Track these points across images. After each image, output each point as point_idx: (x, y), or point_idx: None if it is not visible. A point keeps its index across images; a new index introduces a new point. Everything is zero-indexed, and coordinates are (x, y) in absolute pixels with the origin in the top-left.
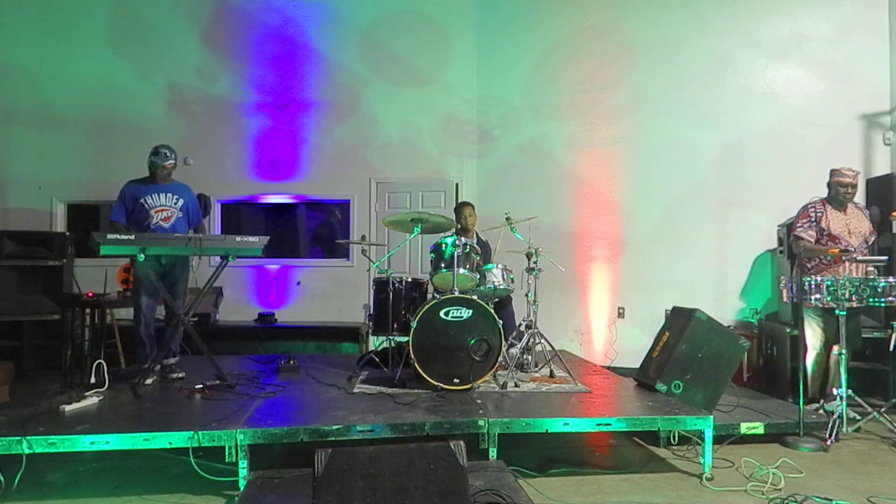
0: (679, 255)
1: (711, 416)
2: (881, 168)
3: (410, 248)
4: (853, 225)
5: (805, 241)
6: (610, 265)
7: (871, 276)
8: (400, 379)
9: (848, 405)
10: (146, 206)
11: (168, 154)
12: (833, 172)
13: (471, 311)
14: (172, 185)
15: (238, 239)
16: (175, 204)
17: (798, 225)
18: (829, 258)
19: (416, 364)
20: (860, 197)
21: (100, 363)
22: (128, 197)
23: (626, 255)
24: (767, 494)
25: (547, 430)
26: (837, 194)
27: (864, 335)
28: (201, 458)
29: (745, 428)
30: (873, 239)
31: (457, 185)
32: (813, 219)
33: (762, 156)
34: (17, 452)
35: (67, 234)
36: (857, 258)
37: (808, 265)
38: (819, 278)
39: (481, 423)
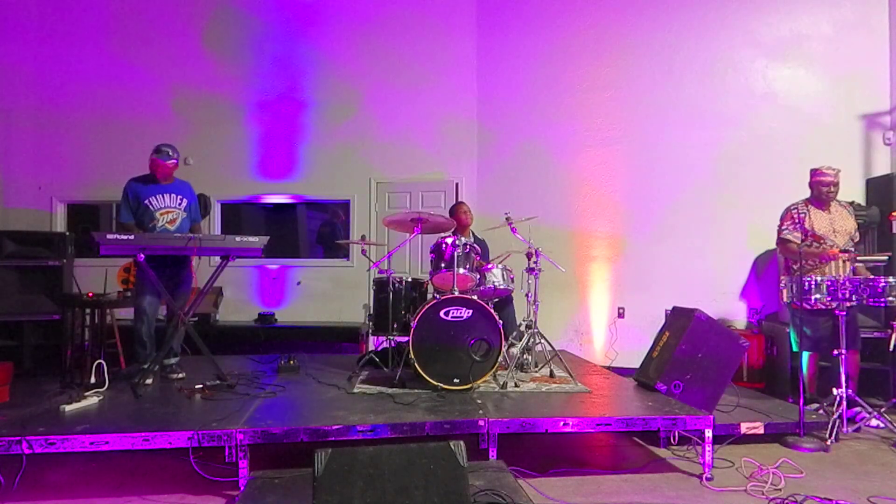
0: (679, 255)
1: (711, 416)
2: (881, 168)
3: (410, 248)
4: (838, 224)
5: (792, 243)
6: (610, 265)
7: (869, 277)
8: (400, 379)
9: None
10: (151, 207)
11: (171, 153)
12: (813, 172)
13: (471, 311)
14: (175, 185)
15: (238, 239)
16: (179, 205)
17: (783, 228)
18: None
19: (416, 364)
20: (860, 197)
21: (100, 363)
22: (131, 197)
23: (626, 255)
24: (767, 494)
25: (547, 430)
26: (820, 194)
27: (863, 335)
28: (201, 458)
29: (745, 428)
30: (858, 237)
31: (457, 185)
32: (796, 220)
33: (762, 155)
34: (16, 453)
35: (67, 234)
36: (858, 258)
37: (795, 266)
38: (819, 278)
39: (481, 423)
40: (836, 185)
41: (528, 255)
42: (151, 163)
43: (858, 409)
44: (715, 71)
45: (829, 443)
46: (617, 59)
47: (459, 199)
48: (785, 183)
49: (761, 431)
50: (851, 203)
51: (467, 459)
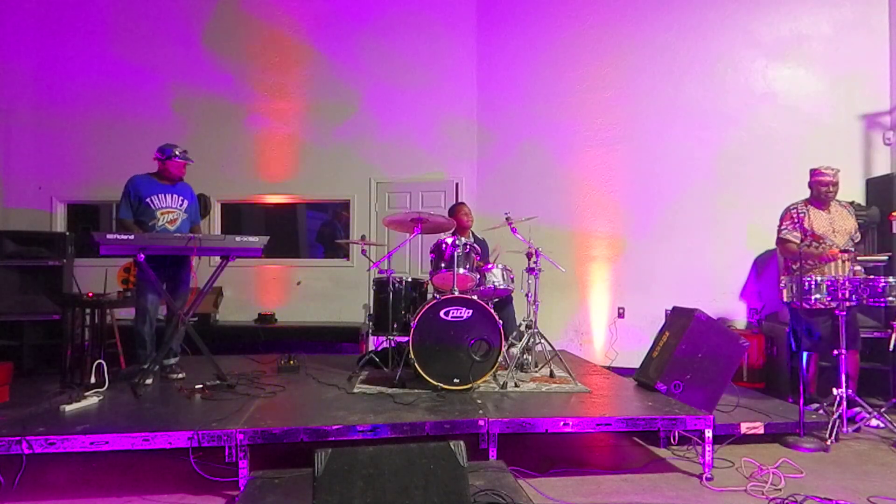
0: (679, 255)
1: (711, 416)
2: (881, 168)
3: (410, 248)
4: (837, 223)
5: (791, 243)
6: (610, 265)
7: (868, 277)
8: (400, 379)
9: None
10: (152, 206)
11: (186, 154)
12: (813, 172)
13: (471, 311)
14: (177, 186)
15: (238, 239)
16: (181, 206)
17: (782, 228)
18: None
19: (416, 364)
20: (860, 197)
21: (100, 363)
22: (133, 194)
23: (626, 255)
24: (767, 494)
25: (547, 430)
26: (819, 194)
27: (863, 335)
28: (201, 458)
29: (745, 428)
30: (859, 237)
31: (457, 185)
32: (796, 220)
33: (762, 155)
34: (16, 453)
35: (67, 234)
36: (857, 258)
37: (794, 266)
38: (819, 278)
39: (481, 423)
40: (836, 185)
41: (528, 255)
42: (171, 164)
43: (858, 409)
44: (715, 71)
45: (829, 443)
46: (617, 59)
47: (460, 200)
48: (785, 183)
49: (761, 431)
50: (851, 203)
51: (467, 459)
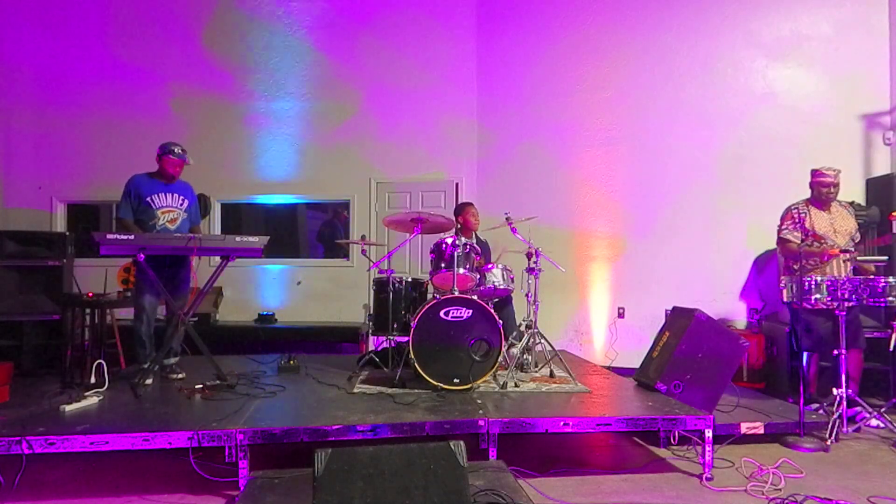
0: (679, 255)
1: (711, 416)
2: (881, 168)
3: (410, 248)
4: (838, 224)
5: (792, 242)
6: (610, 265)
7: (868, 277)
8: (400, 379)
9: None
10: (153, 205)
11: (184, 152)
12: (814, 173)
13: (471, 311)
14: (177, 185)
15: (238, 239)
16: (181, 205)
17: (782, 227)
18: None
19: (416, 364)
20: (860, 197)
21: (100, 363)
22: (133, 193)
23: (626, 255)
24: (767, 494)
25: (547, 430)
26: (820, 194)
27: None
28: (201, 458)
29: (745, 428)
30: (859, 237)
31: (457, 185)
32: (797, 220)
33: (762, 156)
34: (16, 453)
35: (67, 234)
36: (858, 258)
37: (795, 266)
38: (819, 278)
39: (481, 423)
40: (837, 185)
41: (528, 255)
42: (165, 161)
43: (858, 408)
44: (715, 71)
45: (829, 443)
46: (618, 59)
47: (468, 201)
48: (785, 183)
49: (761, 431)
50: (851, 203)
51: (467, 459)
